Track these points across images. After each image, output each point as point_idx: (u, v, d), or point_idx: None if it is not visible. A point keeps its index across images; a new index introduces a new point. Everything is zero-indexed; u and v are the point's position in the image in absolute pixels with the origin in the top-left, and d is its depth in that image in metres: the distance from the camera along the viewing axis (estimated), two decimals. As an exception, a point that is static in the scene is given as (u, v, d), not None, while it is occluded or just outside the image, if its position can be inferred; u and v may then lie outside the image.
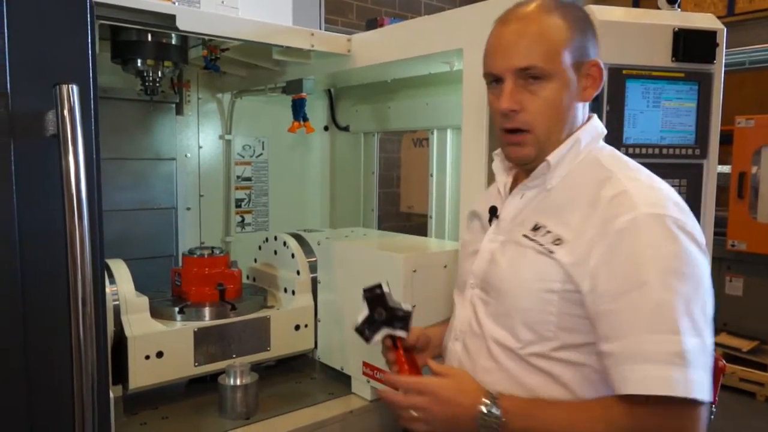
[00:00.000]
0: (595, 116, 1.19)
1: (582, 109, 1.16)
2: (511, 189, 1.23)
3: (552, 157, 1.12)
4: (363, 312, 1.26)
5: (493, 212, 1.22)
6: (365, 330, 1.25)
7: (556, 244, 1.05)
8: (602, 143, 1.18)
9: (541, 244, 1.07)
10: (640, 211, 0.99)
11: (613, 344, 0.98)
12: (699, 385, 0.93)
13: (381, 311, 1.23)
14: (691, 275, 0.98)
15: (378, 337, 1.24)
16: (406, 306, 1.25)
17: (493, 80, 1.14)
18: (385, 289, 1.25)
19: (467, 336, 1.20)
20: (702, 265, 1.00)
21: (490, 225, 1.22)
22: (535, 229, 1.10)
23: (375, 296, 1.25)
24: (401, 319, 1.24)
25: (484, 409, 1.02)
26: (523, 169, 1.21)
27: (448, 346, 1.28)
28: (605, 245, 0.99)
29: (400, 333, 1.24)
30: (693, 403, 0.94)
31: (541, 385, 1.08)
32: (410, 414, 1.08)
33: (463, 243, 1.35)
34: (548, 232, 1.08)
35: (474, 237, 1.27)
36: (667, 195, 1.05)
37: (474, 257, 1.23)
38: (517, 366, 1.10)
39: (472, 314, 1.20)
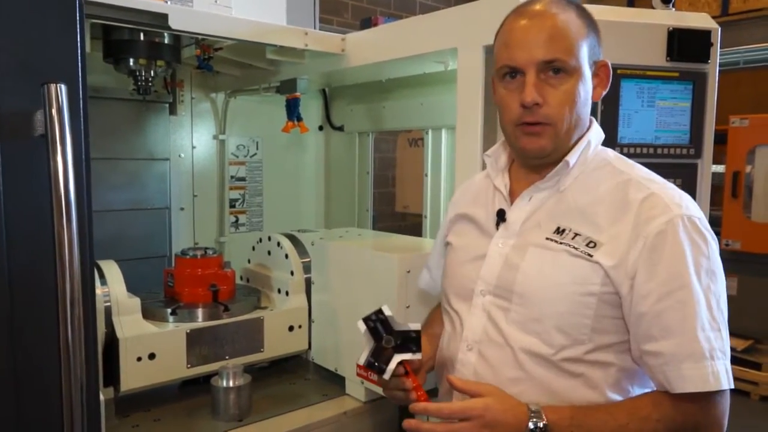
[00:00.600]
0: (594, 120, 1.20)
1: (590, 108, 1.16)
2: (512, 191, 1.21)
3: (570, 157, 1.12)
4: (368, 344, 1.15)
5: (501, 216, 1.18)
6: (376, 362, 1.13)
7: (591, 247, 1.05)
8: (602, 146, 1.20)
9: (575, 248, 1.06)
10: (674, 212, 1.03)
11: (663, 344, 1.00)
12: (730, 376, 1.00)
13: (390, 338, 1.14)
14: (718, 273, 1.04)
15: (393, 365, 1.13)
16: (414, 325, 1.15)
17: (508, 73, 1.11)
18: (387, 312, 1.15)
19: (484, 345, 1.15)
20: (720, 263, 1.06)
21: (497, 229, 1.18)
22: (559, 232, 1.09)
23: (380, 322, 1.15)
24: (414, 340, 1.14)
25: (531, 425, 1.00)
26: (524, 168, 1.19)
27: (457, 356, 1.20)
28: (643, 247, 1.02)
29: (418, 356, 1.14)
30: (723, 393, 1.01)
31: (570, 388, 1.08)
32: None
33: (453, 248, 1.28)
34: (577, 234, 1.07)
35: (470, 241, 1.23)
36: (683, 194, 1.09)
37: (477, 263, 1.18)
38: (547, 372, 1.08)
39: (487, 322, 1.15)
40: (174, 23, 1.55)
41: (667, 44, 1.60)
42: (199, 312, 1.74)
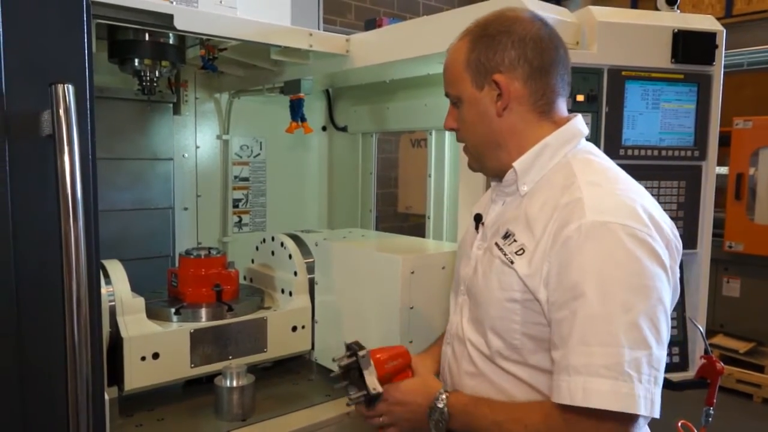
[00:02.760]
0: (577, 117, 1.16)
1: (510, 120, 1.13)
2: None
3: (518, 164, 1.13)
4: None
5: (479, 219, 1.23)
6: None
7: (518, 254, 1.06)
8: (583, 144, 1.16)
9: (505, 254, 1.09)
10: (586, 218, 0.97)
11: (555, 353, 1.00)
12: (629, 398, 0.91)
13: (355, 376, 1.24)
14: (636, 286, 0.95)
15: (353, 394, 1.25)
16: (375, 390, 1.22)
17: None
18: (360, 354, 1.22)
19: (455, 340, 1.24)
20: (652, 275, 0.96)
21: (477, 232, 1.24)
22: (506, 236, 1.11)
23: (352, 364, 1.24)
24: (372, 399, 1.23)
25: (434, 404, 1.13)
26: (491, 177, 1.26)
27: (443, 348, 1.31)
28: (555, 254, 1.00)
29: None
30: (627, 416, 0.93)
31: (518, 390, 1.10)
32: (378, 420, 1.23)
33: (461, 243, 1.35)
34: (515, 240, 1.09)
35: (468, 240, 1.28)
36: (626, 201, 1.01)
37: (465, 262, 1.25)
38: (493, 371, 1.13)
39: (459, 319, 1.23)
40: (179, 24, 1.55)
41: (672, 46, 1.60)
42: (203, 312, 1.74)
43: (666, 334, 0.97)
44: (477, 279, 1.16)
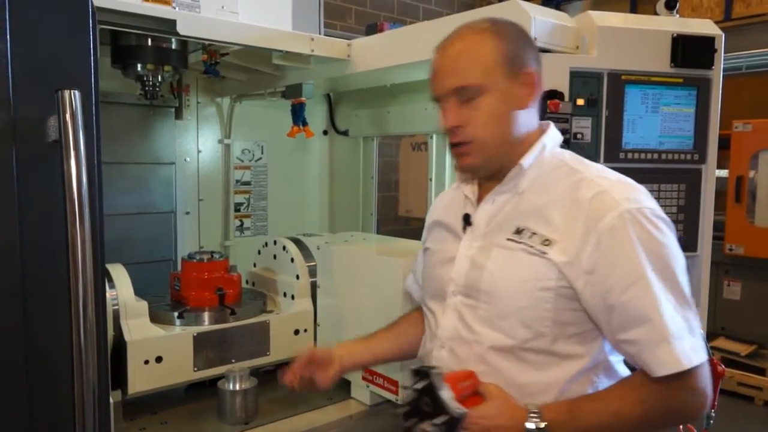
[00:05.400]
0: (552, 123, 1.25)
1: (528, 115, 1.19)
2: (479, 197, 1.26)
3: (525, 161, 1.17)
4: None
5: (467, 220, 1.25)
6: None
7: (546, 245, 1.11)
8: (561, 149, 1.24)
9: (530, 246, 1.12)
10: (623, 207, 1.07)
11: (635, 332, 1.06)
12: (700, 351, 1.05)
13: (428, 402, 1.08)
14: (674, 255, 1.09)
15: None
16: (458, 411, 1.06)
17: (437, 102, 1.21)
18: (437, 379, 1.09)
19: (456, 343, 1.21)
20: (675, 243, 1.11)
21: (464, 233, 1.24)
22: (519, 232, 1.15)
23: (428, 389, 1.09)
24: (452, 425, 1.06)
25: (531, 425, 1.05)
26: (483, 177, 1.26)
27: (432, 353, 1.26)
28: (597, 243, 1.07)
29: None
30: (701, 366, 1.05)
31: (534, 381, 1.13)
32: None
33: (430, 252, 1.35)
34: (534, 234, 1.13)
35: (443, 246, 1.29)
36: (635, 186, 1.14)
37: (448, 265, 1.24)
38: (511, 365, 1.14)
39: (458, 321, 1.21)
40: (182, 29, 1.57)
41: (671, 50, 1.62)
42: (206, 315, 1.75)
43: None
44: (486, 275, 1.16)
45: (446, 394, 1.07)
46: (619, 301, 1.06)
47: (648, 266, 1.05)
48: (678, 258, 1.09)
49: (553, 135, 1.22)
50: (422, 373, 1.10)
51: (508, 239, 1.15)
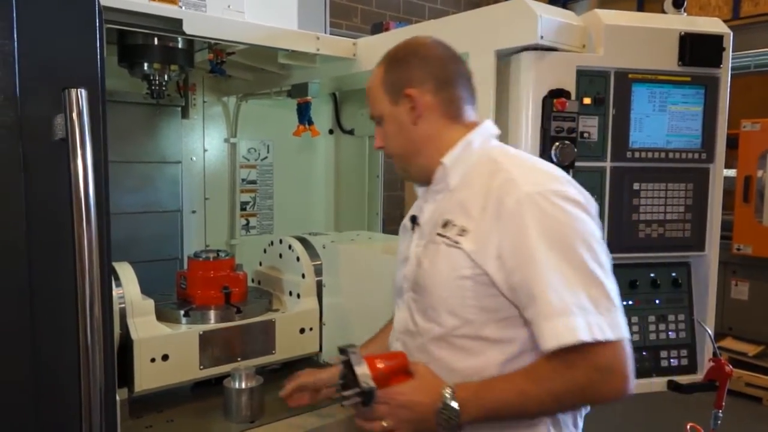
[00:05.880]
0: (488, 120, 1.32)
1: (427, 124, 1.27)
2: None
3: (447, 159, 1.25)
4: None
5: (414, 220, 1.35)
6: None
7: (461, 235, 1.17)
8: (495, 142, 1.30)
9: (449, 238, 1.19)
10: (523, 191, 1.12)
11: (530, 310, 1.10)
12: (600, 327, 1.05)
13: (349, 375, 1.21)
14: (576, 232, 1.10)
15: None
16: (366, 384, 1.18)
17: None
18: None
19: (405, 336, 1.31)
20: (585, 221, 1.12)
21: (413, 232, 1.34)
22: (445, 225, 1.22)
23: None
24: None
25: (441, 404, 1.12)
26: (421, 181, 1.36)
27: (392, 345, 1.37)
28: (501, 227, 1.12)
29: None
30: (606, 343, 1.05)
31: (469, 366, 1.18)
32: (381, 425, 1.17)
33: (397, 254, 1.44)
34: (454, 225, 1.20)
35: (402, 247, 1.39)
36: (547, 171, 1.19)
37: (405, 264, 1.33)
38: (448, 353, 1.20)
39: (408, 315, 1.30)
40: (188, 28, 1.57)
41: (679, 49, 1.61)
42: (212, 314, 1.75)
43: (609, 265, 1.13)
44: (423, 270, 1.24)
45: (359, 370, 1.18)
46: (517, 282, 1.10)
47: (540, 246, 1.08)
48: (581, 235, 1.10)
49: (481, 131, 1.28)
50: (343, 351, 1.22)
51: (438, 234, 1.23)
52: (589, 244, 1.10)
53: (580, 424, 1.25)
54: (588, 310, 1.06)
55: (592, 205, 1.18)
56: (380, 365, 1.21)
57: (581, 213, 1.12)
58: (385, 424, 1.18)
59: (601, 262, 1.11)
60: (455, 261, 1.17)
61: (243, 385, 1.60)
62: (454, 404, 1.11)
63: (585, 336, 1.04)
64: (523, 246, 1.09)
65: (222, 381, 1.65)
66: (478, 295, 1.15)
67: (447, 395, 1.12)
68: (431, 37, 1.33)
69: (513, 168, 1.18)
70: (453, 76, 1.28)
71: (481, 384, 1.14)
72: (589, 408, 1.22)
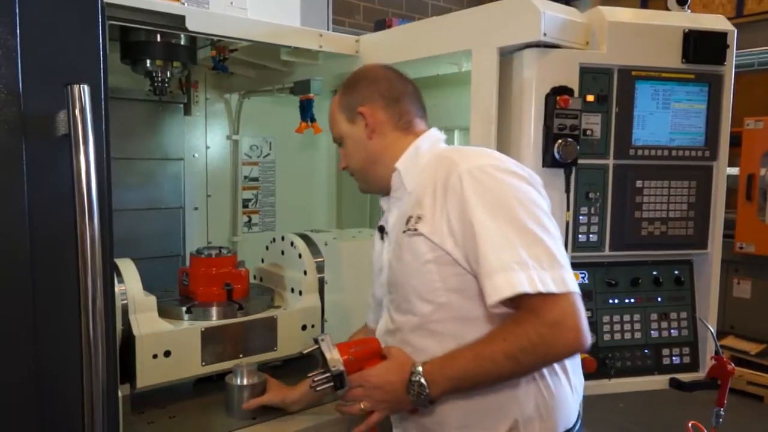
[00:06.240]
0: (434, 128, 1.43)
1: (381, 139, 1.38)
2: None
3: (399, 164, 1.36)
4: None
5: (381, 230, 1.43)
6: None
7: (418, 222, 1.25)
8: (443, 145, 1.41)
9: (409, 228, 1.27)
10: (461, 168, 1.20)
11: (479, 271, 1.16)
12: (542, 281, 1.09)
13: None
14: (514, 197, 1.17)
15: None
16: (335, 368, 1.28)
17: None
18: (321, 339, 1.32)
19: (386, 335, 1.37)
20: (523, 188, 1.19)
21: (383, 241, 1.42)
22: (407, 222, 1.29)
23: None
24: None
25: (410, 378, 1.18)
26: (382, 193, 1.46)
27: None
28: (448, 204, 1.20)
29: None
30: (552, 298, 1.10)
31: (452, 346, 1.21)
32: (359, 407, 1.27)
33: (372, 264, 1.51)
34: (411, 217, 1.28)
35: (375, 257, 1.47)
36: (489, 154, 1.28)
37: (381, 272, 1.41)
38: (429, 341, 1.25)
39: (387, 316, 1.38)
40: (191, 25, 1.57)
41: (682, 46, 1.60)
42: (214, 310, 1.75)
43: (554, 229, 1.19)
44: (393, 269, 1.32)
45: (329, 355, 1.27)
46: (468, 252, 1.17)
47: (480, 212, 1.14)
48: (518, 200, 1.16)
49: (428, 136, 1.39)
50: (315, 340, 1.32)
51: (402, 232, 1.29)
52: (528, 207, 1.16)
53: (574, 381, 1.28)
54: (529, 265, 1.10)
55: (536, 180, 1.25)
56: (352, 350, 1.29)
57: (519, 182, 1.19)
58: (362, 406, 1.26)
59: (544, 224, 1.16)
60: (417, 248, 1.23)
61: (245, 382, 1.60)
62: (422, 379, 1.17)
63: (526, 288, 1.08)
64: (465, 216, 1.16)
65: (224, 377, 1.65)
66: (444, 276, 1.21)
67: (415, 371, 1.18)
68: (379, 64, 1.50)
69: (455, 154, 1.28)
70: (400, 94, 1.40)
71: (445, 356, 1.19)
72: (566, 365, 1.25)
